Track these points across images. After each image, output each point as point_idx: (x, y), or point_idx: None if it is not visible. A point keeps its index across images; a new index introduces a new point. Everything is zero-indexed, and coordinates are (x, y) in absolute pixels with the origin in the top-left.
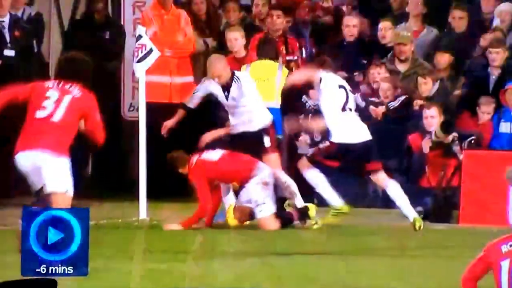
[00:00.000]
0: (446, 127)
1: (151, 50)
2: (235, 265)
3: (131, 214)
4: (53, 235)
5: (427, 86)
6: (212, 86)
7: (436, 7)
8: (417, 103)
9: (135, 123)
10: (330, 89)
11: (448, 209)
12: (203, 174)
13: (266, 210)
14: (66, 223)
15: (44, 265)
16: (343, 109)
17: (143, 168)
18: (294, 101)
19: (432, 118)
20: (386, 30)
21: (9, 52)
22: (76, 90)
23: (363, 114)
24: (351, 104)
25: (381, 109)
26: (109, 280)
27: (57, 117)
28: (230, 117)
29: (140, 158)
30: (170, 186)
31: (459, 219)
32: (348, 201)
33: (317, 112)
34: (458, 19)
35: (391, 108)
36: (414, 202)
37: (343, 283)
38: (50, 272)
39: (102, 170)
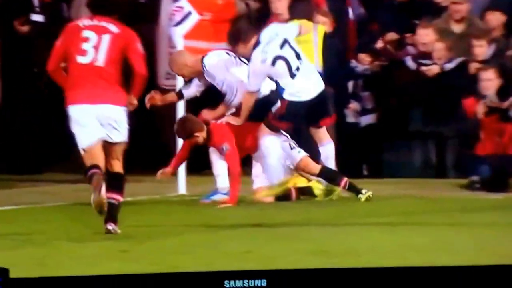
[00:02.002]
0: (503, 91)
1: (189, 13)
2: (276, 238)
3: (170, 189)
4: None
5: (482, 49)
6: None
7: None
8: (473, 66)
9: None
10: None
11: (505, 178)
12: (233, 135)
13: (302, 152)
14: None
15: None
16: (292, 75)
17: (181, 141)
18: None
19: (489, 81)
20: None
21: (37, 17)
22: (113, 27)
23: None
24: (297, 63)
25: (435, 68)
26: (149, 254)
27: (100, 61)
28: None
29: None
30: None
31: None
32: (396, 171)
33: None
34: None
35: (446, 70)
36: (469, 171)
37: (392, 257)
38: None
39: (138, 143)
